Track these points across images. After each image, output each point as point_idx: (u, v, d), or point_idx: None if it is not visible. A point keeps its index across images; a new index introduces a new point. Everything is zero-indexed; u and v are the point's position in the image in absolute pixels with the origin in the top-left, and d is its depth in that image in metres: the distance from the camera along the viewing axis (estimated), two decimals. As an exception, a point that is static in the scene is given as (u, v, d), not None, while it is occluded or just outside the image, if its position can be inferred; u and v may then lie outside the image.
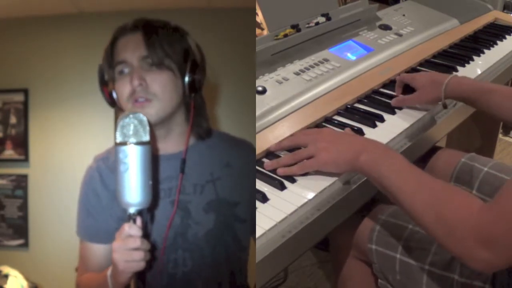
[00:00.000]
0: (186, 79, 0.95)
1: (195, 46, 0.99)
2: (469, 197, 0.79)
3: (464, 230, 0.75)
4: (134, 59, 0.92)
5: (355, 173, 1.00)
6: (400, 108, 1.24)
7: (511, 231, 0.70)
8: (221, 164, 0.98)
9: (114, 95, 0.95)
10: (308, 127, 1.15)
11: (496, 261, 0.73)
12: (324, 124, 1.18)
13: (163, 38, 0.93)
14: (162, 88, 0.92)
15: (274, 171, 1.00)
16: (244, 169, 0.99)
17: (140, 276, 0.84)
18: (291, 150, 1.04)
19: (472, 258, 0.75)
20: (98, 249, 0.99)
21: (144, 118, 0.76)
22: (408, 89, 1.27)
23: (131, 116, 0.75)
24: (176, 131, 0.98)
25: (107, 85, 0.96)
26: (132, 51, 0.92)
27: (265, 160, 1.04)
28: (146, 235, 0.85)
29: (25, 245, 2.37)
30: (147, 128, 0.77)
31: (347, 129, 1.10)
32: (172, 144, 0.98)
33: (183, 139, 0.98)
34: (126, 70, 0.92)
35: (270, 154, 1.06)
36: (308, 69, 1.33)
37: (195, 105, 0.98)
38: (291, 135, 1.08)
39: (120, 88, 0.93)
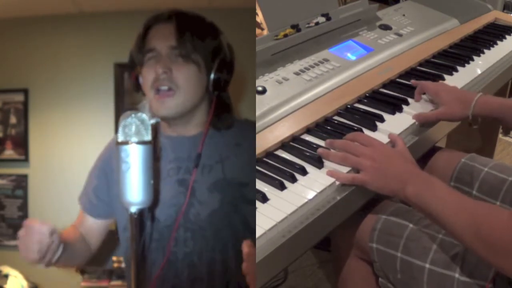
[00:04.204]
0: (212, 76, 0.97)
1: (226, 46, 1.00)
2: (499, 210, 0.84)
3: (501, 243, 0.78)
4: (163, 48, 0.94)
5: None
6: (400, 110, 1.23)
7: None
8: (231, 144, 0.99)
9: (140, 80, 0.97)
10: (308, 127, 1.15)
11: None
12: (323, 125, 1.18)
13: (194, 32, 0.95)
14: (186, 80, 0.94)
15: (274, 170, 1.00)
16: (253, 150, 0.99)
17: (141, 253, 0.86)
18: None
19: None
20: (84, 216, 1.12)
21: (146, 118, 0.77)
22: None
23: (133, 116, 0.76)
24: (194, 122, 1.01)
25: (135, 69, 0.98)
26: (163, 40, 0.94)
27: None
28: (143, 233, 0.86)
29: (25, 245, 2.37)
30: (149, 128, 0.77)
31: (396, 140, 1.08)
32: (188, 130, 1.01)
33: (200, 127, 1.00)
34: (155, 57, 0.95)
35: (270, 154, 1.07)
36: (308, 69, 1.33)
37: (220, 103, 1.00)
38: (346, 140, 1.06)
39: (146, 74, 0.95)
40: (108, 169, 1.05)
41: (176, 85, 0.93)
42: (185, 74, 0.94)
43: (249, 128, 1.03)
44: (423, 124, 1.20)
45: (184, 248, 0.94)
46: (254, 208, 0.91)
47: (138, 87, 0.99)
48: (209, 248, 0.94)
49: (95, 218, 1.10)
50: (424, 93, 1.28)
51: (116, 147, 0.77)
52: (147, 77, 0.95)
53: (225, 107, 1.02)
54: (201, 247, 0.94)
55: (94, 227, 1.11)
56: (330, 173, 0.99)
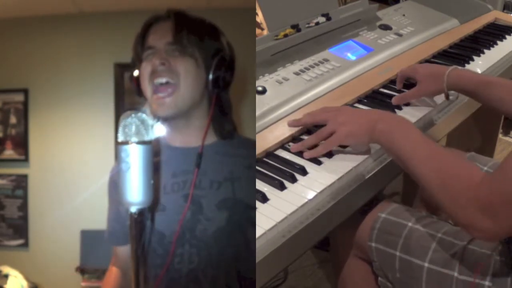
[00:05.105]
0: (211, 75, 0.96)
1: (227, 47, 1.00)
2: (472, 168, 0.83)
3: (465, 199, 0.79)
4: (161, 45, 0.94)
5: (355, 179, 1.01)
6: (400, 108, 1.24)
7: (508, 201, 0.74)
8: (243, 166, 0.97)
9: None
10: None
11: (497, 230, 0.77)
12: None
13: (192, 29, 0.95)
14: (184, 71, 0.93)
15: (274, 170, 1.00)
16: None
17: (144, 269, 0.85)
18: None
19: (474, 227, 0.79)
20: (115, 249, 1.07)
21: (146, 118, 0.77)
22: (409, 84, 1.30)
23: (133, 116, 0.76)
24: (195, 124, 0.98)
25: (135, 71, 0.97)
26: (160, 37, 0.94)
27: (291, 144, 1.09)
28: (141, 235, 0.85)
29: (25, 245, 2.37)
30: (149, 128, 0.77)
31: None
32: (192, 138, 0.98)
33: (202, 132, 0.98)
34: (152, 54, 0.94)
35: (270, 154, 1.07)
36: (308, 69, 1.33)
37: (219, 104, 0.99)
38: (309, 113, 1.10)
39: (143, 70, 0.95)
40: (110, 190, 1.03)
41: (176, 75, 0.92)
42: (183, 66, 0.93)
43: (254, 149, 1.02)
44: (401, 103, 1.23)
45: (188, 264, 0.92)
46: (255, 232, 0.90)
47: (140, 92, 0.97)
48: (213, 265, 0.92)
49: (123, 246, 1.04)
50: (406, 80, 1.32)
51: (116, 147, 0.77)
52: (145, 72, 0.94)
53: (223, 110, 1.01)
54: (206, 263, 0.92)
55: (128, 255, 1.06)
56: (309, 154, 1.03)
